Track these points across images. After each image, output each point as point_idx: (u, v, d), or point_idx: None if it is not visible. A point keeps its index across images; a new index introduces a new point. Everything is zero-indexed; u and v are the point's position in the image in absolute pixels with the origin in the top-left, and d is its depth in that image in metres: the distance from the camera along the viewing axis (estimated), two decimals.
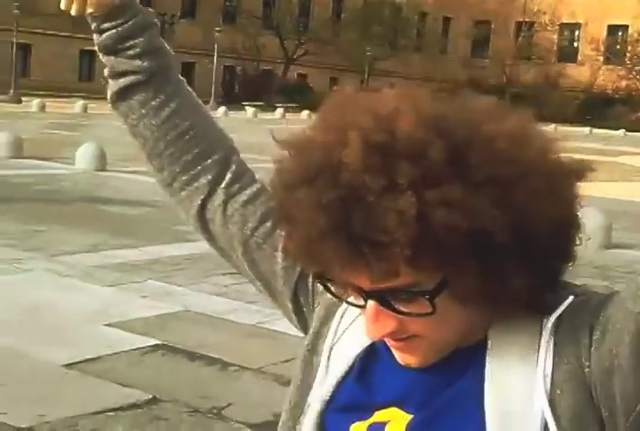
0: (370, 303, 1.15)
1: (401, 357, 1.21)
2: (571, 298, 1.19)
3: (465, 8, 79.79)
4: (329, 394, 1.27)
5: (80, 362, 5.91)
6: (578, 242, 1.19)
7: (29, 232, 10.34)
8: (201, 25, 64.70)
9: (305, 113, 43.38)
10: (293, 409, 1.31)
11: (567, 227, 1.17)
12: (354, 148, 1.08)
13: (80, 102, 39.94)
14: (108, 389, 5.46)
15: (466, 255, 1.08)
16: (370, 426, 1.22)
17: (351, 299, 1.19)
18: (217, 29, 56.32)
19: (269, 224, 1.38)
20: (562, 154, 1.19)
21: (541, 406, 1.13)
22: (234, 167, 1.45)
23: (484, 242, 1.08)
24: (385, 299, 1.14)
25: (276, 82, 67.47)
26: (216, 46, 55.58)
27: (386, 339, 1.19)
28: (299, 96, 61.77)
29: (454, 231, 1.06)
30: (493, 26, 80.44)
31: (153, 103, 1.44)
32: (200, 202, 1.44)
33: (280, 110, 49.11)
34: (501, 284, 1.11)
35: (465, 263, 1.09)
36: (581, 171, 1.19)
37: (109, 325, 6.75)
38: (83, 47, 52.87)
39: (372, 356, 1.26)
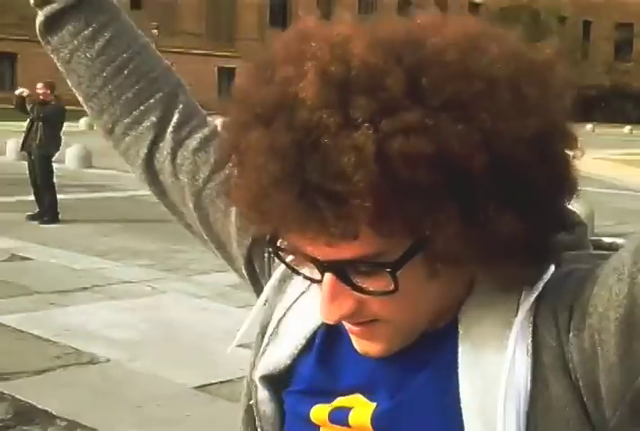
0: (327, 276, 1.00)
1: (359, 345, 1.07)
2: (552, 269, 1.03)
3: (605, 11, 78.05)
4: (283, 366, 1.15)
5: (211, 384, 5.92)
6: (574, 162, 1.02)
7: (166, 251, 10.48)
8: None
9: None
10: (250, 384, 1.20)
11: (554, 143, 0.99)
12: (310, 81, 0.95)
13: (219, 120, 40.57)
14: (237, 412, 5.43)
15: (441, 195, 0.92)
16: (333, 410, 1.10)
17: (307, 272, 1.04)
18: None
19: (223, 173, 1.20)
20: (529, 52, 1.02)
21: (518, 395, 0.99)
22: (181, 106, 1.30)
23: (457, 174, 0.92)
24: (343, 272, 0.98)
25: None
26: None
27: (344, 323, 1.05)
28: None
29: (417, 161, 0.90)
30: (635, 28, 78.46)
31: (85, 33, 1.30)
32: (146, 150, 1.29)
33: None
34: (487, 229, 0.94)
35: (441, 207, 0.93)
36: (553, 57, 1.02)
37: (241, 346, 6.73)
38: (221, 64, 53.91)
39: (334, 334, 1.11)
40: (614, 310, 0.94)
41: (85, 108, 1.33)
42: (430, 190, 0.91)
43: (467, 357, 1.02)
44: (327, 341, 1.13)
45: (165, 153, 1.28)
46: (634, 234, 0.98)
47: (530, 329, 1.01)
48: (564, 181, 1.01)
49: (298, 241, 0.99)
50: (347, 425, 1.09)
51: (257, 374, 1.17)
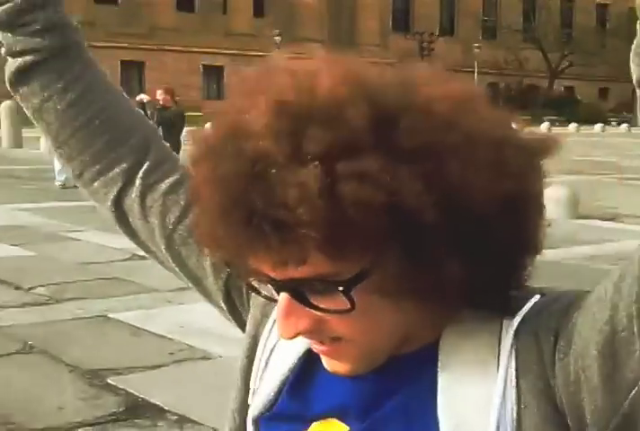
0: (282, 294, 0.99)
1: (328, 364, 1.06)
2: (537, 297, 1.03)
3: None
4: (267, 405, 1.12)
5: None
6: (543, 228, 1.02)
7: None
8: (461, 42, 64.76)
9: (572, 126, 42.45)
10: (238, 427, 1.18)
11: (524, 209, 0.98)
12: (262, 110, 0.93)
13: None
14: None
15: (387, 237, 0.92)
16: None
17: (267, 293, 1.05)
18: (476, 45, 56.26)
19: (194, 213, 1.17)
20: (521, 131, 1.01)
21: (498, 419, 0.98)
22: (153, 153, 1.26)
23: (407, 222, 0.91)
24: (298, 291, 0.98)
25: (541, 96, 66.48)
26: (476, 62, 55.58)
27: (311, 343, 1.05)
28: (566, 109, 60.54)
29: (367, 207, 0.89)
30: None
31: (58, 86, 1.26)
32: (115, 194, 1.26)
33: (545, 124, 48.16)
34: (430, 275, 0.94)
35: (385, 247, 0.92)
36: (546, 146, 1.01)
37: None
38: None
39: (310, 363, 1.10)
40: (596, 336, 0.93)
41: (55, 153, 1.31)
42: (377, 232, 0.91)
43: (447, 383, 1.01)
44: (302, 370, 1.12)
45: (134, 196, 1.26)
46: (620, 264, 0.97)
47: (514, 354, 1.00)
48: (525, 240, 1.01)
49: (254, 263, 0.99)
50: None
51: (250, 415, 1.15)
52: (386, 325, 1.00)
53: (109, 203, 1.28)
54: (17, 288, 8.08)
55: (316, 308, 0.98)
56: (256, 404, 1.14)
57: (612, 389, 0.93)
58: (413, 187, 0.90)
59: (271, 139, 0.92)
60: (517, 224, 0.98)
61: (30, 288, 8.04)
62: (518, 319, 1.01)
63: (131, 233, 1.30)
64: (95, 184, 1.28)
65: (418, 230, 0.92)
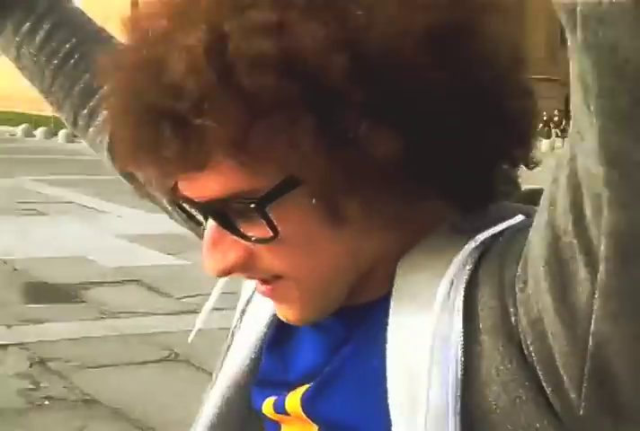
0: (210, 221, 0.87)
1: (278, 310, 0.93)
2: (519, 217, 0.86)
3: None
4: (249, 364, 1.02)
5: None
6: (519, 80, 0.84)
7: None
8: None
9: None
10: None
11: (462, 52, 0.79)
12: None
13: None
14: None
15: (294, 108, 0.77)
16: (276, 400, 0.97)
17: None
18: None
19: None
20: None
21: (448, 363, 0.81)
22: None
23: (313, 84, 0.77)
24: (221, 213, 0.85)
25: None
26: None
27: (256, 286, 0.93)
28: None
29: (260, 64, 0.76)
30: None
31: (24, 28, 1.25)
32: (108, 139, 1.19)
33: None
34: (357, 162, 0.78)
35: (295, 124, 0.77)
36: None
37: None
38: None
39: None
40: (542, 247, 0.73)
41: (49, 103, 1.30)
42: (280, 103, 0.77)
43: (396, 317, 0.86)
44: (281, 325, 1.00)
45: None
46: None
47: (465, 278, 0.83)
48: (486, 88, 0.82)
49: (167, 176, 0.87)
50: (285, 412, 0.96)
51: (223, 374, 1.05)
52: (329, 259, 0.87)
53: (105, 151, 1.22)
54: (168, 296, 8.28)
55: (241, 235, 0.85)
56: (232, 364, 1.04)
57: (568, 318, 0.72)
58: (312, 34, 0.77)
59: (164, 18, 0.84)
60: (464, 76, 0.80)
61: (180, 297, 8.20)
62: (481, 237, 0.84)
63: (140, 186, 1.18)
64: (90, 131, 1.25)
65: (329, 94, 0.77)
